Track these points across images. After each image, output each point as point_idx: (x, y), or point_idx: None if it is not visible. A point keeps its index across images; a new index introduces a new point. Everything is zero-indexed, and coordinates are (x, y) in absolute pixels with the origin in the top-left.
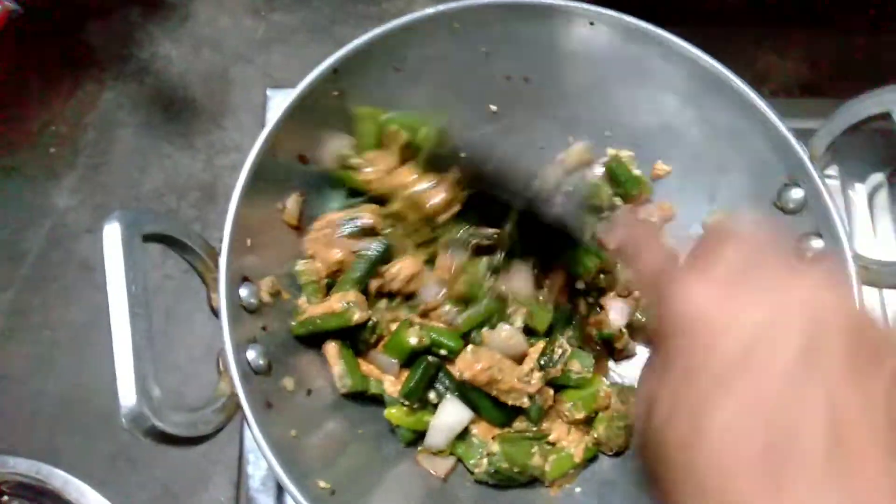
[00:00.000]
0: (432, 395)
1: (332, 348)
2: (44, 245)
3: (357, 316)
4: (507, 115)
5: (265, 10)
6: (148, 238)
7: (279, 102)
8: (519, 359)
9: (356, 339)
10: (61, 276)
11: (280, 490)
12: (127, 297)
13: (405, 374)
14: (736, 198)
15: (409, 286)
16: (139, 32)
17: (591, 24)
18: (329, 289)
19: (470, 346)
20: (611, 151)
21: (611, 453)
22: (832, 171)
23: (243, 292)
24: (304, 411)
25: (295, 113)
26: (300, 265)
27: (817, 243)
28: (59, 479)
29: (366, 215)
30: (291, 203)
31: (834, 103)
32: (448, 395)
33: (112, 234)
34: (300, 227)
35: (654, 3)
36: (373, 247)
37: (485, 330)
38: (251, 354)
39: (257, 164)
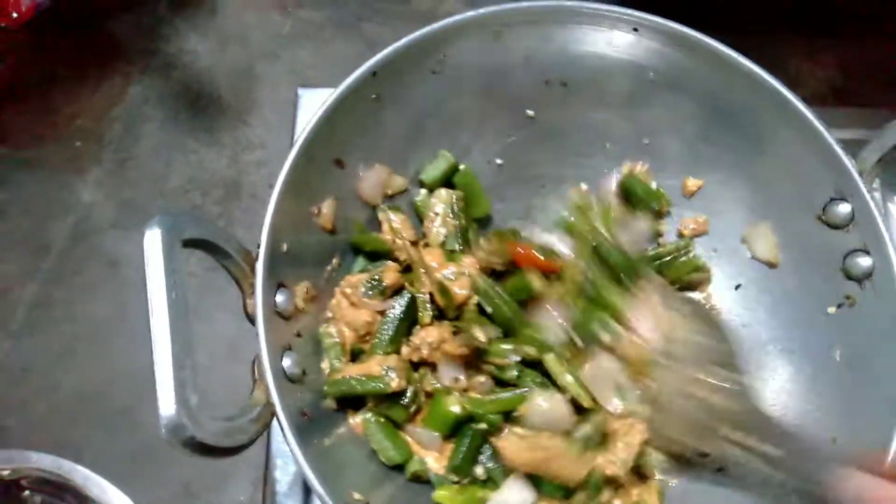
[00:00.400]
0: (479, 471)
1: (359, 424)
2: (68, 239)
3: (395, 383)
4: (544, 120)
5: (292, 6)
6: (187, 244)
7: (310, 101)
8: (569, 430)
9: (391, 410)
10: (85, 271)
11: (307, 496)
12: (167, 303)
13: (448, 448)
14: (779, 211)
15: (437, 354)
16: (166, 27)
17: (635, 29)
18: (354, 355)
19: (513, 429)
20: (625, 166)
21: None
22: (874, 184)
23: (279, 298)
24: (338, 423)
25: (332, 116)
26: (323, 328)
27: (865, 260)
28: (81, 475)
29: (389, 274)
30: (327, 207)
31: (872, 113)
32: (512, 475)
33: (153, 240)
34: (335, 232)
35: (688, 10)
36: (398, 303)
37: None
38: (286, 362)
39: (294, 168)
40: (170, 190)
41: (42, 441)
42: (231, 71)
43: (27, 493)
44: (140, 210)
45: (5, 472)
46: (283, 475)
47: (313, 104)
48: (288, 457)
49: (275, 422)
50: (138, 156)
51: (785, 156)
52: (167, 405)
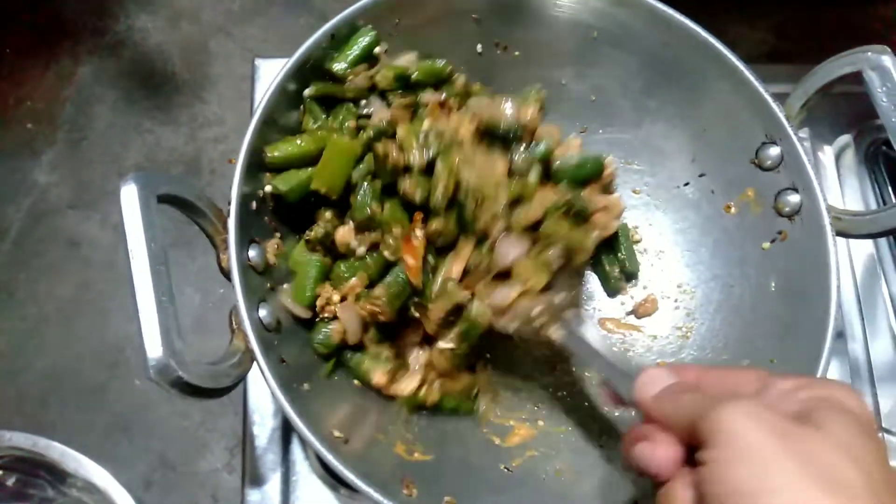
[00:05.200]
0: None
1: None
2: (26, 221)
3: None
4: (494, 83)
5: None
6: (162, 199)
7: (268, 72)
8: None
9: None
10: (45, 253)
11: (286, 449)
12: (147, 253)
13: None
14: (716, 157)
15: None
16: (114, 4)
17: None
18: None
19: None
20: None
21: None
22: (803, 133)
23: (251, 253)
24: (315, 367)
25: (292, 78)
26: None
27: (794, 197)
28: (56, 450)
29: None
30: None
31: (801, 69)
32: None
33: (129, 195)
34: None
35: None
36: None
37: None
38: (262, 312)
39: (258, 130)
40: (127, 169)
41: (14, 423)
42: (183, 48)
43: (1, 472)
44: (97, 190)
45: None
46: (261, 430)
47: (270, 74)
48: (265, 412)
49: (250, 379)
50: (92, 136)
51: (720, 106)
52: (154, 347)
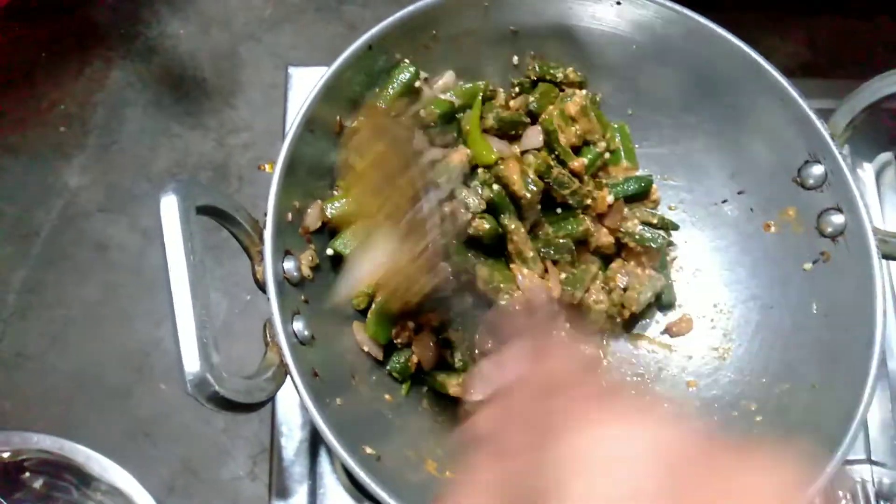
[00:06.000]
0: None
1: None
2: (56, 224)
3: None
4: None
5: None
6: (201, 210)
7: (300, 80)
8: None
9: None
10: (74, 255)
11: (313, 461)
12: (186, 265)
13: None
14: (757, 174)
15: None
16: (146, 10)
17: (618, 3)
18: None
19: None
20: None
21: None
22: (844, 151)
23: (287, 265)
24: (347, 378)
25: (331, 86)
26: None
27: (837, 218)
28: (82, 454)
29: None
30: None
31: (837, 84)
32: None
33: (169, 205)
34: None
35: None
36: None
37: None
38: (297, 325)
39: (297, 139)
40: (156, 174)
41: (39, 424)
42: (214, 54)
43: (27, 474)
44: (126, 194)
45: (5, 454)
46: (289, 442)
47: (303, 82)
48: (293, 424)
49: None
50: (123, 140)
51: (762, 123)
52: (192, 362)
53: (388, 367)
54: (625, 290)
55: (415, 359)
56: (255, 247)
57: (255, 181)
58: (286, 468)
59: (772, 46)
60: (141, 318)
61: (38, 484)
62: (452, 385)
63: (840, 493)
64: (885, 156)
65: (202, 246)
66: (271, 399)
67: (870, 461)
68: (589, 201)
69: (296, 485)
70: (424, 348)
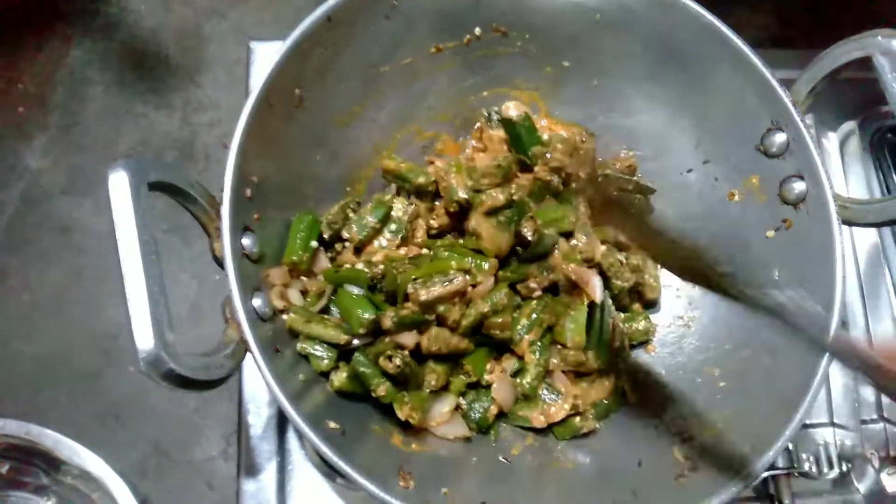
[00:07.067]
0: None
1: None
2: (18, 206)
3: None
4: (496, 70)
5: None
6: (153, 186)
7: (263, 54)
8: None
9: None
10: (38, 239)
11: (281, 438)
12: (139, 243)
13: None
14: (721, 143)
15: None
16: None
17: None
18: None
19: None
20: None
21: None
22: (808, 120)
23: (246, 241)
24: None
25: (290, 59)
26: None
27: (799, 185)
28: (50, 438)
29: None
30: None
31: (805, 54)
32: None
33: (119, 182)
34: None
35: None
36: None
37: None
38: (256, 302)
39: (254, 113)
40: (120, 154)
41: (7, 410)
42: (177, 31)
43: None
44: (90, 175)
45: None
46: (257, 419)
47: (266, 57)
48: (260, 401)
49: (245, 367)
50: (85, 120)
51: (726, 92)
52: (145, 339)
53: (467, 422)
54: None
55: (494, 409)
56: (212, 223)
57: (223, 159)
58: (254, 446)
59: (741, 19)
60: (108, 300)
61: (4, 469)
62: (536, 417)
63: (804, 455)
64: (849, 125)
65: (157, 223)
66: (231, 375)
67: (832, 424)
68: None
69: (265, 462)
70: (504, 388)
